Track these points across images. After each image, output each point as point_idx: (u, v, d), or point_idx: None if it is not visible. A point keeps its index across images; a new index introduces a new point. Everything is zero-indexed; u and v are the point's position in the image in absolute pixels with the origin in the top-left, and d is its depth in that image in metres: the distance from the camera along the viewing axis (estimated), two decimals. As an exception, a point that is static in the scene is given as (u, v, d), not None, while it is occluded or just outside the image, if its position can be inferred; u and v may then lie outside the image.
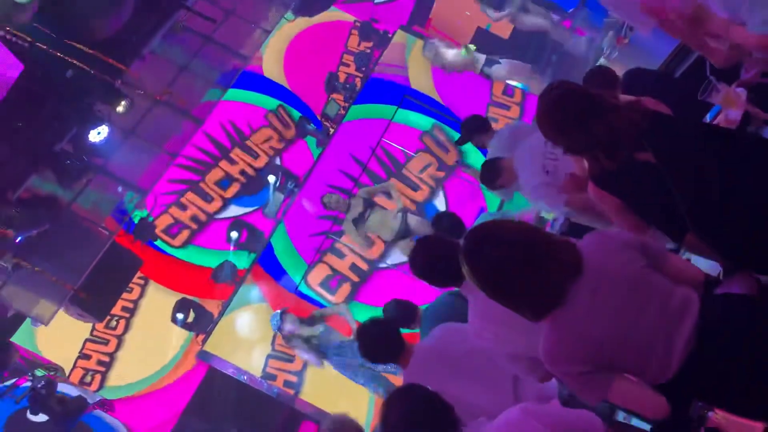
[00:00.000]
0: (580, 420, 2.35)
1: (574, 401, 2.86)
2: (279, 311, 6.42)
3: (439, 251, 2.89)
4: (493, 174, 4.25)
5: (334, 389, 6.76)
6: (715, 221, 2.19)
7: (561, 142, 2.36)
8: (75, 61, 5.25)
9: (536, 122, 2.47)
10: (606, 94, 2.34)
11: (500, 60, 6.76)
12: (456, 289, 4.35)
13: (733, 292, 2.23)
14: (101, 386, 7.13)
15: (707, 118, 3.31)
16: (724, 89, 2.88)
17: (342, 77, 8.53)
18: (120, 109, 6.27)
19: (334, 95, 8.36)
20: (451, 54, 6.71)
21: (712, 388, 1.78)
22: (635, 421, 3.18)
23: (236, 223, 7.68)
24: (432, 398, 2.43)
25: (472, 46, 6.77)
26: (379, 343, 3.26)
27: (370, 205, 6.62)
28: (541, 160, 3.68)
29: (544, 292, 2.01)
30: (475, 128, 4.98)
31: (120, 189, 7.00)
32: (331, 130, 8.07)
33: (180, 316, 6.98)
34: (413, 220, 6.53)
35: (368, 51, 8.64)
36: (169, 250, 7.68)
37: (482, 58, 6.56)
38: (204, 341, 7.07)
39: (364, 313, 6.77)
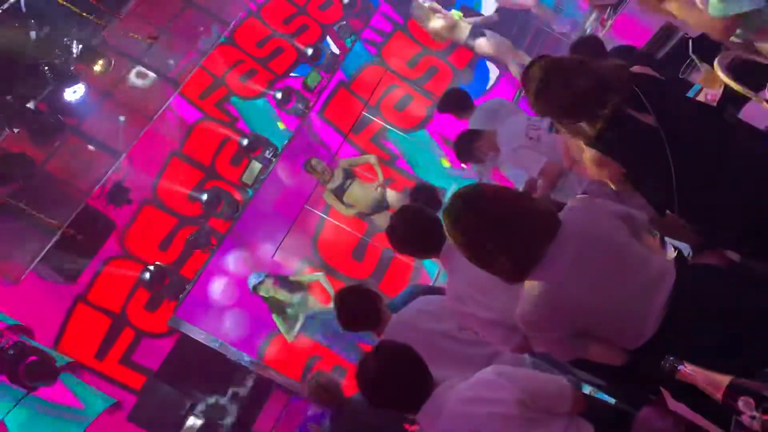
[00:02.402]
0: (551, 383, 2.43)
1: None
2: (262, 272, 6.43)
3: (418, 222, 2.94)
4: (470, 139, 4.27)
5: (304, 359, 6.83)
6: (702, 193, 2.25)
7: (548, 109, 2.40)
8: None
9: (524, 95, 2.51)
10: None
11: (485, 32, 6.78)
12: (421, 286, 4.42)
13: (704, 263, 2.32)
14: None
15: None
16: (704, 68, 2.96)
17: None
18: (97, 68, 6.19)
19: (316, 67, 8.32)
20: (438, 22, 6.71)
21: (683, 347, 1.86)
22: (600, 395, 3.30)
23: (212, 189, 7.62)
24: (407, 352, 2.49)
25: (459, 12, 6.76)
26: (356, 311, 3.31)
27: (350, 176, 6.64)
28: (524, 125, 3.74)
29: (519, 252, 2.06)
30: (457, 103, 5.01)
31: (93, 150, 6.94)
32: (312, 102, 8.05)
33: (147, 275, 6.94)
34: (391, 195, 6.56)
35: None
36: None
37: (468, 28, 6.56)
38: (175, 307, 7.05)
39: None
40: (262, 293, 6.28)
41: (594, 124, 2.33)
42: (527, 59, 6.42)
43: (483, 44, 6.33)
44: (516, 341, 2.77)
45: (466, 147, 4.34)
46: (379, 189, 6.56)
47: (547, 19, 7.75)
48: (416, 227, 2.95)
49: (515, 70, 6.68)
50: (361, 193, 6.65)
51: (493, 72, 8.03)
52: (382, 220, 6.52)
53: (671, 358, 1.73)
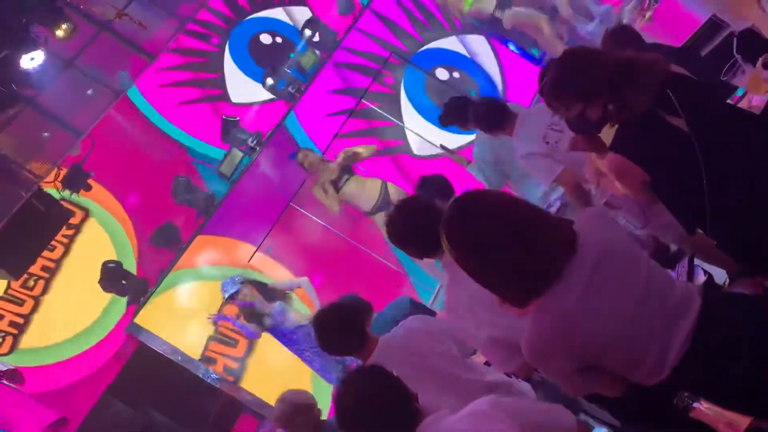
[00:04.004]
0: (553, 415, 2.45)
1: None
2: (237, 278, 6.47)
3: (419, 218, 2.95)
4: (499, 117, 4.23)
5: (278, 379, 6.85)
6: (739, 211, 2.28)
7: (563, 98, 2.46)
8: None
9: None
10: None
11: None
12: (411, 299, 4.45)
13: (736, 292, 2.36)
14: (12, 349, 7.12)
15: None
16: (750, 71, 3.01)
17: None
18: (60, 33, 6.21)
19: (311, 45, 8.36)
20: None
21: (705, 385, 1.88)
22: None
23: (184, 178, 7.67)
24: (392, 382, 2.50)
25: None
26: (338, 333, 3.32)
27: (347, 171, 6.67)
28: (543, 128, 3.78)
29: (531, 271, 2.04)
30: (461, 113, 5.00)
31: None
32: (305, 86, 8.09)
33: (111, 265, 6.98)
34: (394, 190, 6.59)
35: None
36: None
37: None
38: (135, 313, 7.09)
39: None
40: (238, 302, 6.31)
41: (613, 122, 2.38)
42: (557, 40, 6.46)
43: (513, 14, 6.40)
44: (518, 362, 2.81)
45: (495, 125, 4.28)
46: (379, 185, 6.59)
47: (569, 23, 7.76)
48: (416, 221, 2.95)
49: (556, 44, 6.72)
50: (358, 190, 6.68)
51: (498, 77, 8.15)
52: (384, 220, 6.51)
53: (686, 395, 1.76)
